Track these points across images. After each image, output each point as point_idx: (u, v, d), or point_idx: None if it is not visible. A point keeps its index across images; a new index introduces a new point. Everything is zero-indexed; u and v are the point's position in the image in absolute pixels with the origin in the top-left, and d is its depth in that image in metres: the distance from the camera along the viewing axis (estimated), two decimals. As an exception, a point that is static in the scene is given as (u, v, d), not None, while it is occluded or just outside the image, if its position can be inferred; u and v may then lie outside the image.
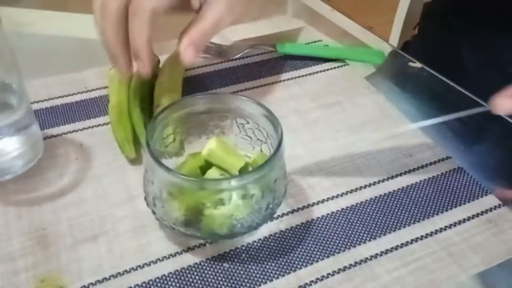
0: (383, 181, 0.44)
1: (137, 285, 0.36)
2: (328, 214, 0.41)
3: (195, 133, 0.42)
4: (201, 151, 0.40)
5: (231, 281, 0.36)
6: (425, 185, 0.44)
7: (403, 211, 0.42)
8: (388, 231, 0.40)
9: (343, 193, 0.43)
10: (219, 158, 0.39)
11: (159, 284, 0.36)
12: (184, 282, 0.36)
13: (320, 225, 0.40)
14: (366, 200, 0.42)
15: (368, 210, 0.42)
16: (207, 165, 0.40)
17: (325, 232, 0.40)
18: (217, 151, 0.39)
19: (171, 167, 0.35)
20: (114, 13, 0.41)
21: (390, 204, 0.42)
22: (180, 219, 0.36)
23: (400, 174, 0.45)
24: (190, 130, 0.42)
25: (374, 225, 0.40)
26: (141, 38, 0.41)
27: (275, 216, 0.41)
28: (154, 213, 0.37)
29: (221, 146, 0.39)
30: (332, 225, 0.40)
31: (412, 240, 0.39)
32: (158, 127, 0.38)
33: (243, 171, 0.39)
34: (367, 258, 0.38)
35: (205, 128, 0.42)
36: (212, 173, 0.39)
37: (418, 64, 0.60)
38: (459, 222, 0.41)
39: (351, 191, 0.43)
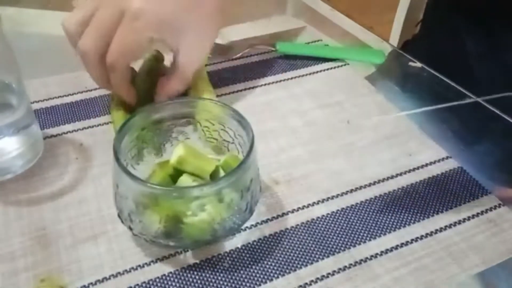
0: (383, 180, 0.44)
1: (137, 285, 0.36)
2: (328, 213, 0.41)
3: (159, 141, 0.41)
4: (168, 160, 0.39)
5: (231, 280, 0.36)
6: (425, 185, 0.44)
7: (403, 211, 0.42)
8: (388, 230, 0.40)
9: (343, 192, 0.43)
10: (190, 164, 0.38)
11: (159, 284, 0.36)
12: (184, 282, 0.36)
13: (320, 225, 0.40)
14: (366, 200, 0.42)
15: (368, 209, 0.42)
16: (176, 173, 0.38)
17: (325, 232, 0.40)
18: (187, 157, 0.37)
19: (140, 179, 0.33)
20: (93, 62, 0.45)
21: (390, 203, 0.42)
22: (160, 231, 0.35)
23: (400, 174, 0.45)
24: (154, 138, 0.41)
25: (374, 224, 0.40)
26: (122, 87, 0.47)
27: (274, 216, 0.41)
28: (131, 229, 0.36)
29: (190, 151, 0.38)
30: (332, 225, 0.40)
31: (412, 239, 0.39)
32: (125, 138, 0.37)
33: (214, 174, 0.39)
34: (367, 258, 0.38)
35: (168, 135, 0.41)
36: (185, 180, 0.37)
37: (418, 64, 0.60)
38: (459, 222, 0.41)
39: (351, 191, 0.43)
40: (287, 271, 0.37)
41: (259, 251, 0.38)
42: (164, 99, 0.47)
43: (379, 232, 0.40)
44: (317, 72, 0.59)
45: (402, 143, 0.48)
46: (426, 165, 0.46)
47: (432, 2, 0.81)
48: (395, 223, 0.41)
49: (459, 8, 0.71)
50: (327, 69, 0.59)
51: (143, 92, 0.49)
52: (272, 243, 0.39)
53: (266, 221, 0.41)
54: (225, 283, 0.36)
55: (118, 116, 0.48)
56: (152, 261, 0.37)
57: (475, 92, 0.53)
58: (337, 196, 0.43)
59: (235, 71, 0.58)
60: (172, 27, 0.45)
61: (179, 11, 0.45)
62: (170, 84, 0.48)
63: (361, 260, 0.38)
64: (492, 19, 0.65)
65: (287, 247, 0.39)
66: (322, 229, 0.40)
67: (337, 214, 0.41)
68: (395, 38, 1.17)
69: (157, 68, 0.51)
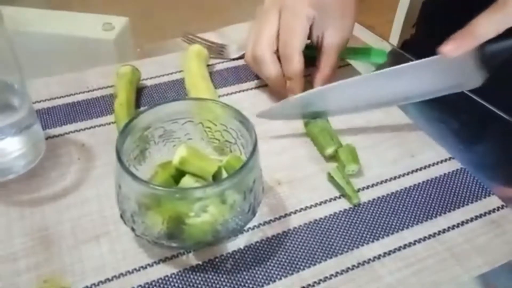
0: (385, 181, 0.44)
1: (140, 286, 0.36)
2: (331, 214, 0.41)
3: (161, 141, 0.41)
4: (171, 160, 0.38)
5: (234, 282, 0.36)
6: (427, 186, 0.44)
7: (406, 212, 0.42)
8: (391, 232, 0.40)
9: (345, 193, 0.43)
10: (192, 165, 0.38)
11: (161, 285, 0.36)
12: (186, 283, 0.36)
13: (323, 226, 0.40)
14: (369, 201, 0.42)
15: (370, 211, 0.42)
16: (179, 174, 0.38)
17: (328, 233, 0.40)
18: (190, 158, 0.37)
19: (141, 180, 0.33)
20: (270, 59, 0.50)
21: (393, 205, 0.42)
22: (162, 232, 0.35)
23: (403, 175, 0.45)
24: (155, 139, 0.40)
25: (377, 226, 0.40)
26: (299, 76, 0.50)
27: (277, 216, 0.41)
28: (133, 230, 0.36)
29: (192, 152, 0.38)
30: (335, 226, 0.40)
31: (415, 241, 0.39)
32: (127, 139, 0.37)
33: (216, 175, 0.39)
34: (370, 259, 0.38)
35: (170, 135, 0.41)
36: (187, 181, 0.37)
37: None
38: (462, 223, 0.41)
39: (354, 192, 0.43)
40: (290, 272, 0.37)
41: (261, 252, 0.38)
42: (319, 84, 0.52)
43: (381, 233, 0.40)
44: (319, 72, 0.58)
45: (405, 144, 0.48)
46: (429, 166, 0.46)
47: (425, 4, 0.81)
48: (397, 224, 0.41)
49: (451, 9, 0.71)
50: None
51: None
52: (274, 244, 0.39)
53: (269, 222, 0.41)
54: (228, 284, 0.36)
55: (122, 116, 0.47)
56: (155, 262, 0.37)
57: (474, 91, 0.53)
58: (339, 197, 0.43)
59: (237, 71, 0.58)
60: (322, 5, 0.49)
61: None
62: (319, 71, 0.52)
63: (364, 261, 0.38)
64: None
65: (290, 248, 0.39)
66: (325, 230, 0.40)
67: (340, 215, 0.41)
68: (395, 37, 1.17)
69: None
